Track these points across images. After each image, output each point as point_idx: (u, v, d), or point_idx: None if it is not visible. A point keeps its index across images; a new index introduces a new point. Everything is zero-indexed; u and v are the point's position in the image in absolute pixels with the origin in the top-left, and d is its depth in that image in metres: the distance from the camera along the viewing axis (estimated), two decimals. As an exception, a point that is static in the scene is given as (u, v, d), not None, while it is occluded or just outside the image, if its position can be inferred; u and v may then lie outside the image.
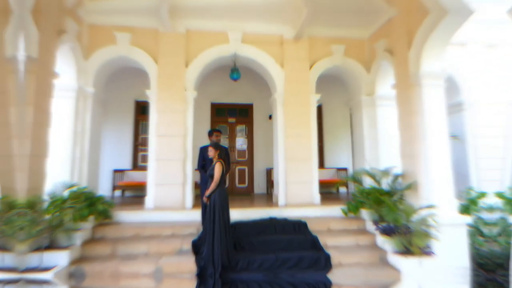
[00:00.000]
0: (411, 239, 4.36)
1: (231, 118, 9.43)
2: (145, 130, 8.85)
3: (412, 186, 5.02)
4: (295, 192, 6.29)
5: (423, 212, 4.53)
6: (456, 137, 7.02)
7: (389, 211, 4.72)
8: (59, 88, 5.29)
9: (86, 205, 4.71)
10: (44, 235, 4.03)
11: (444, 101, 5.01)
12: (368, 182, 6.02)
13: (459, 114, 7.51)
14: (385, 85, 6.63)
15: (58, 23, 5.01)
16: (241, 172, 9.23)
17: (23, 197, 4.03)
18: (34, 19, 4.32)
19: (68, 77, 5.68)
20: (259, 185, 9.15)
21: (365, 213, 5.49)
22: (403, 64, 5.34)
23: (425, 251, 4.40)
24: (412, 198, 5.07)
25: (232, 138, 9.36)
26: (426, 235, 4.40)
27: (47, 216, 4.17)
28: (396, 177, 5.42)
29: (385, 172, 5.57)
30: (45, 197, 4.44)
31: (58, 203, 4.33)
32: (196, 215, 5.54)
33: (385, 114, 6.70)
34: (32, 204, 3.92)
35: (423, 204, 4.71)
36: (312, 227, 5.26)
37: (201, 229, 4.91)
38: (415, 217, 4.57)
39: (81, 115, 5.90)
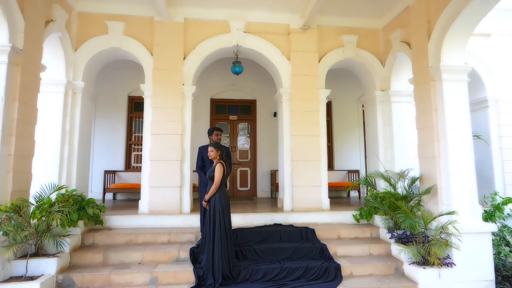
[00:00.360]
0: (430, 248, 4.35)
1: (233, 115, 9.44)
2: (139, 128, 8.91)
3: (431, 191, 4.99)
4: (302, 196, 6.28)
5: (443, 219, 4.51)
6: (480, 137, 6.98)
7: (405, 217, 4.70)
8: (46, 82, 5.36)
9: (75, 209, 4.73)
10: (30, 241, 4.06)
11: (467, 98, 4.98)
12: (382, 185, 6.00)
13: (483, 112, 7.45)
14: (402, 79, 6.61)
15: (45, 11, 5.01)
16: (243, 174, 9.24)
17: (6, 200, 4.07)
18: (19, 6, 4.33)
19: (56, 70, 5.71)
20: (263, 188, 9.15)
21: (378, 219, 5.48)
22: (422, 56, 5.31)
23: (445, 262, 4.39)
24: (431, 204, 5.05)
25: (233, 137, 9.38)
26: (446, 244, 4.38)
27: (33, 221, 4.20)
28: (414, 180, 5.40)
29: (401, 175, 5.56)
30: (31, 200, 4.46)
31: (45, 206, 4.35)
32: (194, 220, 5.57)
33: (401, 111, 6.68)
34: (17, 208, 3.94)
35: (443, 210, 4.69)
36: (320, 234, 5.28)
37: (200, 235, 4.93)
38: (434, 224, 4.56)
39: (70, 112, 5.91)
